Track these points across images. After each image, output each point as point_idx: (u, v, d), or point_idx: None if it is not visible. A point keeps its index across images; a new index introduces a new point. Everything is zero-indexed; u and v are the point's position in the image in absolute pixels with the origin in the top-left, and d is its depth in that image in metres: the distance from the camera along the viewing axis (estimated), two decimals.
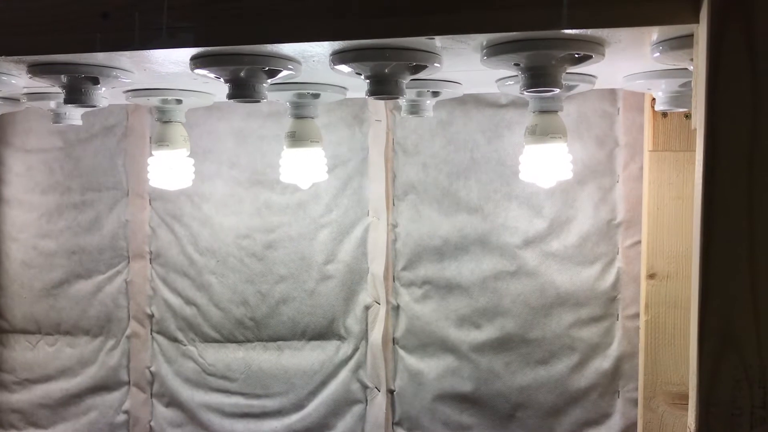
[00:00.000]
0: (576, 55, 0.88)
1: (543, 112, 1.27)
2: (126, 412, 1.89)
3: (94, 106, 1.09)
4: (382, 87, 0.96)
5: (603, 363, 1.65)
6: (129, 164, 1.85)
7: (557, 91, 0.92)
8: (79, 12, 0.89)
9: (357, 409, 1.77)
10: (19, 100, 1.41)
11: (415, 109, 1.36)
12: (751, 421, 0.67)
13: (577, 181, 1.61)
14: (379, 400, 1.75)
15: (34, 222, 1.90)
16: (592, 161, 1.62)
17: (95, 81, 1.04)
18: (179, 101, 1.36)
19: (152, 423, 1.88)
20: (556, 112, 1.27)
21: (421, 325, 1.73)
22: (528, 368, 1.68)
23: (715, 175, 0.67)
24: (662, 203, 1.50)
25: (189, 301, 1.84)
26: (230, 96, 1.00)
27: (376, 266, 1.73)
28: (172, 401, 1.87)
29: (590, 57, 0.88)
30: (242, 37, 0.87)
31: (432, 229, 1.71)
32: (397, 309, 1.74)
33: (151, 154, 1.51)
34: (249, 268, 1.80)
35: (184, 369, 1.86)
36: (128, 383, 1.88)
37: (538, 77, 0.91)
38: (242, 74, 0.98)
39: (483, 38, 0.85)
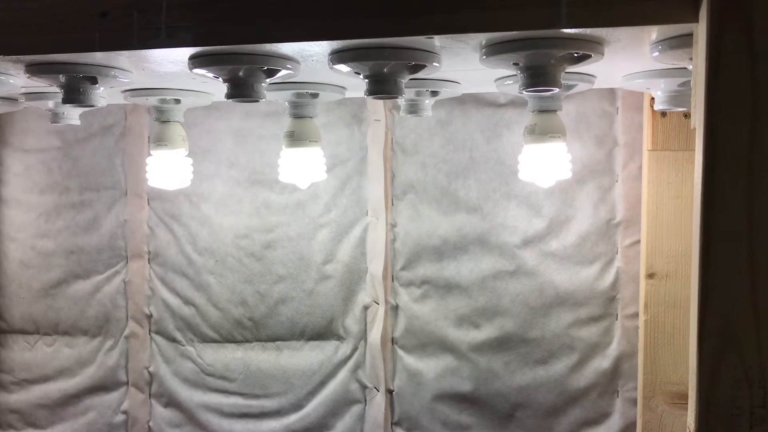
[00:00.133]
0: (575, 55, 0.88)
1: (542, 111, 1.27)
2: (124, 412, 1.89)
3: (93, 106, 1.08)
4: (381, 86, 0.96)
5: (602, 363, 1.65)
6: (127, 164, 1.85)
7: (556, 90, 0.92)
8: (77, 12, 0.89)
9: (356, 409, 1.77)
10: (17, 100, 1.40)
11: (414, 108, 1.36)
12: (750, 421, 0.67)
13: (576, 181, 1.61)
14: (378, 400, 1.75)
15: (32, 222, 1.90)
16: (591, 161, 1.62)
17: (93, 81, 1.04)
18: (178, 101, 1.36)
19: (151, 423, 1.88)
20: (555, 111, 1.27)
21: (420, 325, 1.73)
22: (527, 368, 1.68)
23: (715, 175, 0.67)
24: (661, 202, 1.50)
25: (187, 301, 1.84)
26: (229, 95, 1.00)
27: (375, 266, 1.73)
28: (171, 401, 1.87)
29: (589, 56, 0.88)
30: (241, 37, 0.87)
31: (431, 229, 1.71)
32: (396, 309, 1.74)
33: (149, 154, 1.50)
34: (248, 268, 1.80)
35: (182, 369, 1.86)
36: (127, 383, 1.88)
37: (537, 77, 0.91)
38: (241, 74, 0.97)
39: (482, 38, 0.85)
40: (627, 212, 1.61)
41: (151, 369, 1.87)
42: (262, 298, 1.80)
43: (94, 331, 1.89)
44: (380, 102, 1.68)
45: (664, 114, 1.48)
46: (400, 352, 1.75)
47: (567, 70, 0.94)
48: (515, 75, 0.95)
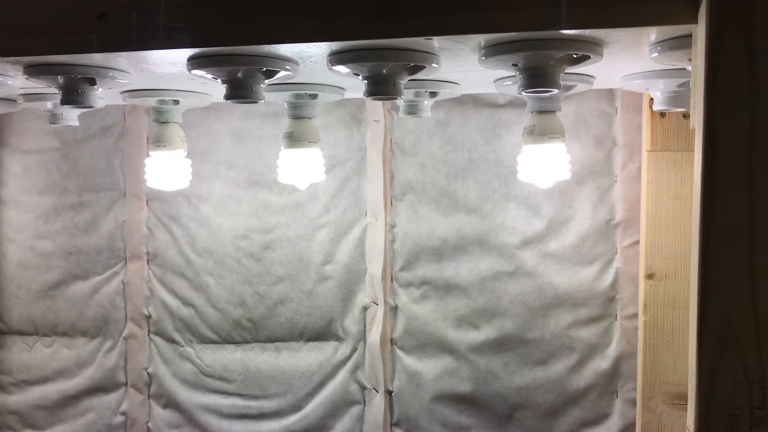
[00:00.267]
0: (574, 56, 0.88)
1: (541, 112, 1.27)
2: (123, 413, 1.88)
3: (91, 107, 1.08)
4: (380, 87, 0.96)
5: (601, 363, 1.65)
6: (126, 165, 1.85)
7: (555, 91, 0.92)
8: (76, 13, 0.89)
9: (355, 410, 1.77)
10: (15, 101, 1.40)
11: (413, 109, 1.36)
12: (750, 422, 0.67)
13: (575, 181, 1.61)
14: (378, 401, 1.75)
15: (30, 223, 1.90)
16: (591, 161, 1.62)
17: (92, 82, 1.03)
18: (176, 102, 1.36)
19: (150, 424, 1.88)
20: (554, 112, 1.27)
21: (419, 326, 1.73)
22: (526, 368, 1.68)
23: (715, 175, 0.67)
24: (660, 203, 1.50)
25: (186, 302, 1.84)
26: (228, 97, 1.00)
27: (374, 267, 1.73)
28: (170, 402, 1.86)
29: (588, 57, 0.88)
30: (240, 38, 0.87)
31: (430, 230, 1.71)
32: (395, 309, 1.74)
33: (148, 155, 1.50)
34: (247, 268, 1.80)
35: (181, 370, 1.85)
36: (125, 384, 1.88)
37: (537, 77, 0.91)
38: (239, 75, 0.97)
39: (481, 38, 0.85)
40: (626, 213, 1.61)
41: (150, 370, 1.87)
42: (261, 299, 1.80)
43: (92, 332, 1.89)
44: (379, 103, 1.68)
45: (663, 114, 1.48)
46: (400, 352, 1.75)
47: (566, 71, 0.94)
48: (514, 76, 0.95)
